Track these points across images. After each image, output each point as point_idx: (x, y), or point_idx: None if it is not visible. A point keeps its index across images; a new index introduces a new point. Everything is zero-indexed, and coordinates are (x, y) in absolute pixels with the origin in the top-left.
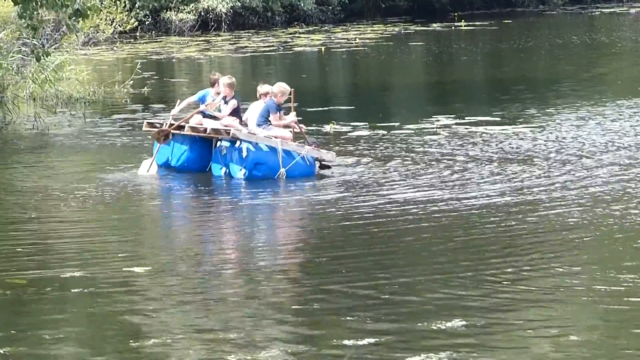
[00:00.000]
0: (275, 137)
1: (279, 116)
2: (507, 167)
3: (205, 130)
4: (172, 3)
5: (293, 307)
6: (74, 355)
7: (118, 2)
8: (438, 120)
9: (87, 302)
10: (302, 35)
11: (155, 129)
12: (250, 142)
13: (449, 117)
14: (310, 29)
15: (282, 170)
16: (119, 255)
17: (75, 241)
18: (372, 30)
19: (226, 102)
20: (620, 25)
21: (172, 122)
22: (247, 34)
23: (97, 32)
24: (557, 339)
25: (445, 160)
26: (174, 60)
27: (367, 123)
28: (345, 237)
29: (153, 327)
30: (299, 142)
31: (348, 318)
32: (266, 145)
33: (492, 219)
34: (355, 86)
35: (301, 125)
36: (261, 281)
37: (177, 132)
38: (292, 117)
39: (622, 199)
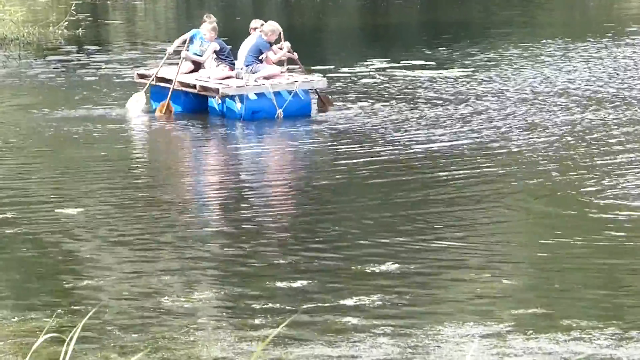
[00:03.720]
0: (265, 78)
1: (274, 52)
2: (448, 112)
3: (194, 86)
4: None
5: (225, 248)
6: (6, 297)
7: None
8: (373, 64)
9: (19, 243)
10: None
11: (147, 81)
12: (241, 96)
13: (383, 61)
14: None
15: (279, 110)
16: (52, 196)
17: (7, 182)
18: None
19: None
20: None
21: (161, 75)
22: None
23: None
24: (489, 282)
25: (387, 104)
26: (108, 2)
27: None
28: (286, 182)
29: (86, 269)
30: (291, 75)
31: (281, 261)
32: (255, 94)
33: (437, 166)
34: (290, 29)
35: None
36: (199, 224)
37: (166, 85)
38: (286, 46)
39: (566, 146)
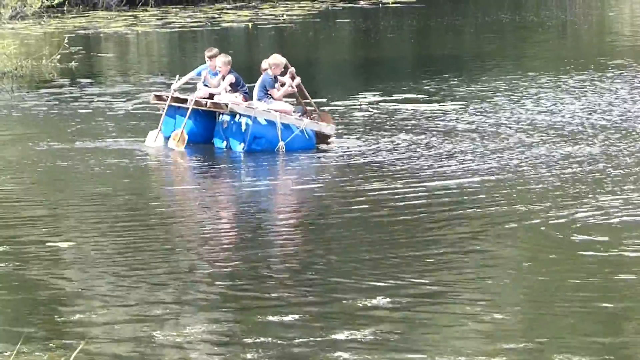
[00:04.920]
0: (275, 111)
1: (277, 89)
2: (443, 146)
3: (206, 104)
4: None
5: (218, 282)
6: None
7: None
8: (365, 97)
9: (11, 276)
10: (229, 11)
11: (163, 102)
12: (248, 116)
13: (375, 94)
14: (238, 4)
15: (282, 143)
16: (44, 229)
17: None
18: (299, 6)
19: (222, 78)
20: (548, 3)
21: (177, 95)
22: (174, 9)
23: (25, 6)
24: (480, 316)
25: (381, 139)
26: (101, 35)
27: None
28: (281, 216)
29: (78, 303)
30: (299, 115)
31: (273, 295)
32: (265, 119)
33: (430, 202)
34: None
35: (297, 77)
36: (189, 257)
37: (180, 105)
38: (288, 83)
39: (560, 180)
